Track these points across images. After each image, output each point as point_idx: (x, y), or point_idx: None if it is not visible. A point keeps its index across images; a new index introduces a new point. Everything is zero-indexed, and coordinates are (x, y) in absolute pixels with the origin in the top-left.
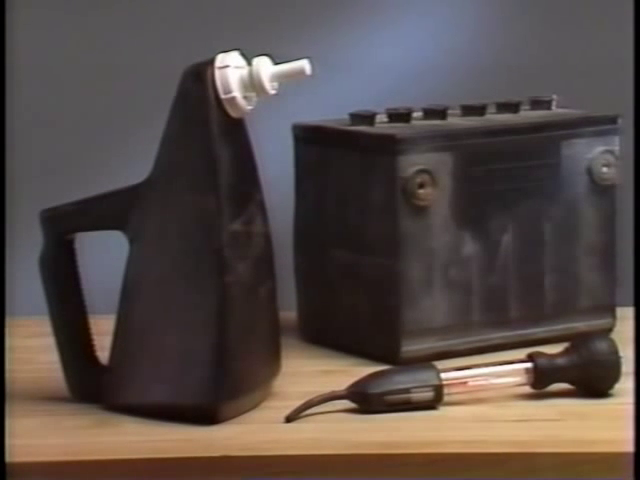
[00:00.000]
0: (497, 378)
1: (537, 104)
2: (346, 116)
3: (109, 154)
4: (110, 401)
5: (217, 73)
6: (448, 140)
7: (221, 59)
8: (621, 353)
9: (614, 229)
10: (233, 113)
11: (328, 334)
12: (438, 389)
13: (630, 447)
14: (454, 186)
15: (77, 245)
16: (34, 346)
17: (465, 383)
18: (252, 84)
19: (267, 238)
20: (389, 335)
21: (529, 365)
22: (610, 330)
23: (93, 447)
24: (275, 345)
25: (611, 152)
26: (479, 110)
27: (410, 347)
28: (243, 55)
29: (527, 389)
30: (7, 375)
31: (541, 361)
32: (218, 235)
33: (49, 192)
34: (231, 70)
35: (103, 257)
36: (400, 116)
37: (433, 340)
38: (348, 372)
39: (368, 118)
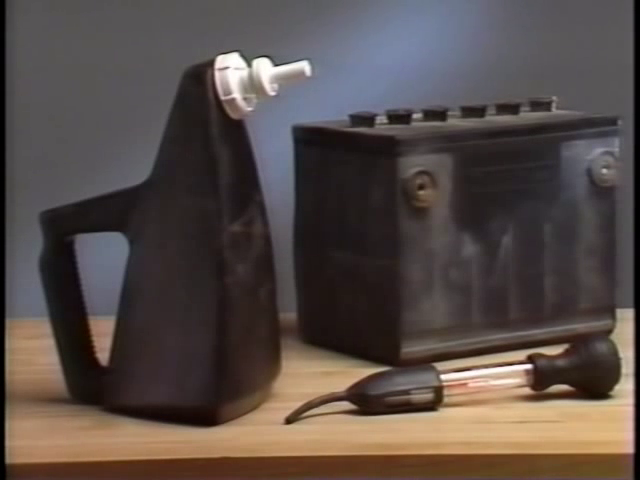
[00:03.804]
0: (497, 379)
1: (537, 105)
2: (346, 117)
3: (109, 155)
4: (110, 402)
5: (217, 74)
6: (448, 141)
7: (221, 60)
8: (621, 354)
9: (614, 230)
10: (233, 114)
11: (328, 335)
12: (438, 390)
13: (630, 448)
14: (454, 187)
15: (77, 246)
16: (34, 347)
17: (465, 384)
18: (252, 85)
19: (267, 239)
20: (389, 336)
21: (529, 366)
22: (610, 331)
23: (93, 448)
24: (275, 346)
25: (611, 153)
26: (479, 111)
27: (410, 348)
28: (243, 56)
29: (527, 390)
30: (7, 376)
31: (541, 362)
32: (218, 236)
33: (49, 193)
34: (231, 71)
35: (103, 258)
36: (400, 117)
37: (433, 341)
38: (348, 373)
39: (368, 119)
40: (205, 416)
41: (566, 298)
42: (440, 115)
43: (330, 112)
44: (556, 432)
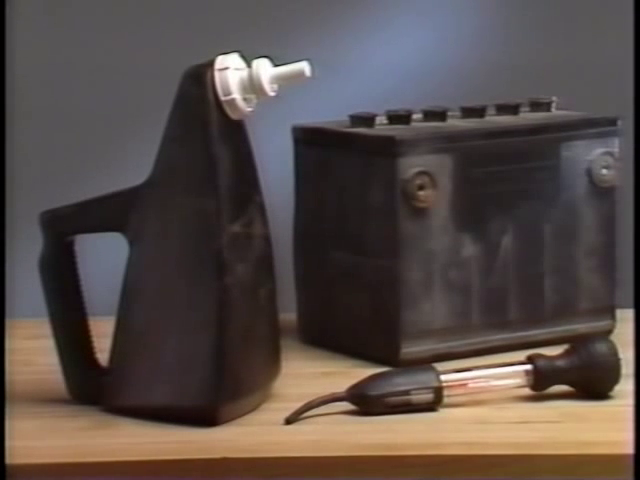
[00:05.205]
0: (497, 380)
1: (537, 106)
2: (346, 118)
3: (109, 155)
4: (110, 403)
5: (217, 75)
6: (448, 142)
7: (221, 61)
8: (621, 355)
9: (614, 231)
10: (233, 115)
11: (328, 336)
12: (438, 391)
13: (630, 449)
14: (454, 188)
15: (77, 246)
16: (34, 348)
17: (465, 385)
18: (252, 86)
19: (267, 240)
20: (389, 337)
21: (529, 367)
22: (610, 332)
23: (93, 449)
24: (275, 347)
25: (611, 154)
26: (479, 112)
27: (410, 349)
28: (243, 57)
29: (527, 391)
30: (7, 377)
31: (541, 363)
32: (218, 237)
33: (49, 194)
34: (231, 72)
35: (103, 259)
36: (400, 118)
37: (433, 342)
38: (348, 374)
39: (368, 120)
40: (205, 416)
41: (566, 298)
42: (440, 115)
43: (330, 112)
44: (556, 432)
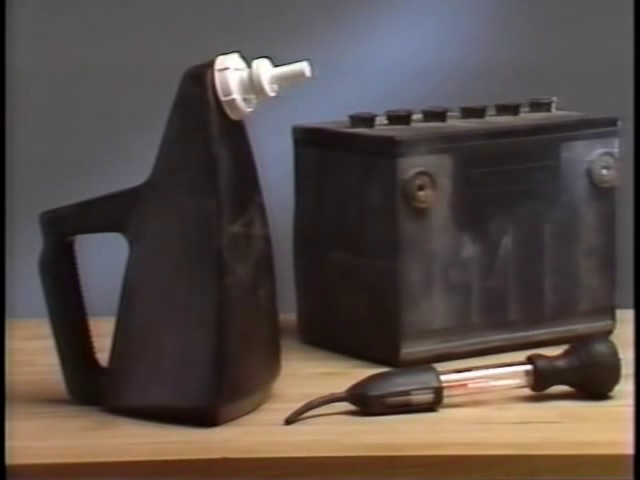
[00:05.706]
0: (497, 380)
1: (537, 106)
2: (346, 118)
3: (109, 156)
4: (110, 403)
5: (217, 75)
6: (448, 142)
7: (221, 61)
8: (621, 355)
9: (614, 231)
10: (233, 115)
11: (328, 336)
12: (438, 391)
13: (630, 449)
14: (454, 188)
15: (77, 246)
16: (34, 348)
17: (465, 385)
18: (252, 86)
19: (267, 240)
20: (389, 337)
21: (529, 367)
22: (610, 332)
23: (93, 449)
24: (275, 347)
25: (611, 154)
26: (479, 112)
27: (410, 349)
28: (243, 57)
29: (527, 391)
30: (7, 377)
31: (541, 363)
32: (218, 237)
33: (49, 194)
34: (231, 72)
35: (103, 259)
36: (400, 118)
37: (433, 342)
38: (348, 374)
39: (368, 120)
40: (205, 417)
41: (566, 299)
42: (440, 116)
43: (330, 113)
44: (556, 433)
